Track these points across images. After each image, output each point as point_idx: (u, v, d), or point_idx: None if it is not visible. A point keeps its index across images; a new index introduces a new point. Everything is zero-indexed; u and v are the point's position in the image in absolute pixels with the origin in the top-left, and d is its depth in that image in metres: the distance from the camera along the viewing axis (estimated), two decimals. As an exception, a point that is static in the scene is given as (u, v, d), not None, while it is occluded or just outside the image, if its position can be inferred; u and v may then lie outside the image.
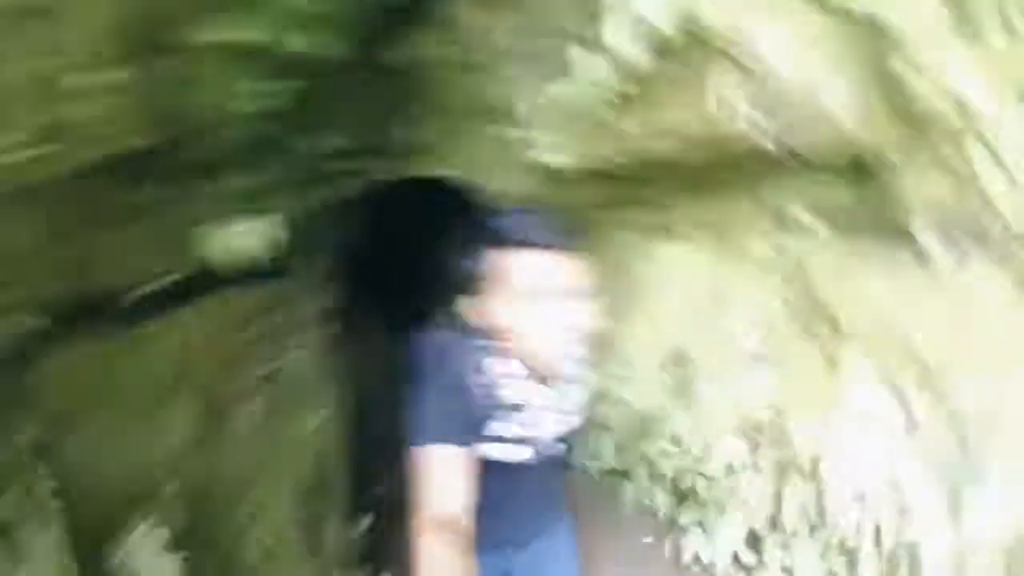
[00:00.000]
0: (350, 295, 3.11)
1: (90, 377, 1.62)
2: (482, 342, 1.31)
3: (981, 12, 1.39)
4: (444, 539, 1.05)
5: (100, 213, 1.53)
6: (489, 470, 1.33)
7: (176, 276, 1.78)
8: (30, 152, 1.27)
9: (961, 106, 1.47)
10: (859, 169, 1.71)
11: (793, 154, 1.67)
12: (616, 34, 1.45)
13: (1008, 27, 1.39)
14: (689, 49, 1.50)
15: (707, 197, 2.12)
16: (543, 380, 1.38)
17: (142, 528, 1.55)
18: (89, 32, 1.32)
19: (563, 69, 1.67)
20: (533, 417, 1.37)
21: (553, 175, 2.11)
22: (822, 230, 2.01)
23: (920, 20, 1.37)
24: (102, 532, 1.54)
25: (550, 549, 1.63)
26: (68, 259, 1.49)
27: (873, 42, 1.41)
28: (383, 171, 2.42)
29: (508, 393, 1.33)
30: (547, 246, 1.19)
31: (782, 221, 2.07)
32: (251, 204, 1.85)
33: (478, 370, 1.30)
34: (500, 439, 1.34)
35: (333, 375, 2.84)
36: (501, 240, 1.21)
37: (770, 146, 1.59)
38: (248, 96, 1.63)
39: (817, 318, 2.22)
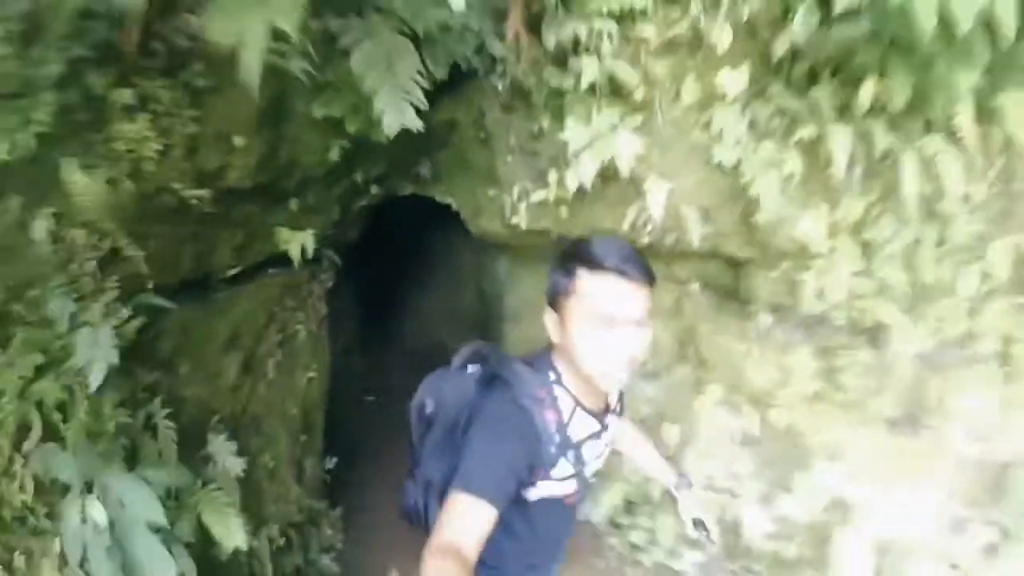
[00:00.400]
0: (337, 282, 3.73)
1: (182, 336, 2.23)
2: (550, 374, 1.38)
3: (823, 180, 2.23)
4: (448, 562, 1.09)
5: (219, 221, 2.14)
6: (535, 505, 1.38)
7: (249, 264, 2.41)
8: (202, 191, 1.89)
9: (803, 246, 2.33)
10: (735, 265, 2.57)
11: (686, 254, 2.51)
12: (572, 174, 2.24)
13: (847, 188, 2.23)
14: (613, 187, 2.30)
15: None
16: (595, 413, 1.43)
17: (219, 440, 2.18)
18: (245, 106, 1.94)
19: (544, 182, 2.44)
20: (584, 453, 1.41)
21: (516, 228, 2.89)
22: (706, 297, 2.87)
23: (778, 190, 2.20)
24: (191, 443, 2.16)
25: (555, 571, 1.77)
26: (196, 251, 2.11)
27: (743, 200, 2.24)
28: (404, 191, 3.10)
29: (568, 431, 1.36)
30: (631, 276, 1.25)
31: (682, 285, 2.92)
32: (314, 215, 2.49)
33: (542, 404, 1.33)
34: (552, 478, 1.36)
35: (320, 344, 3.48)
36: (592, 262, 1.27)
37: (664, 249, 2.43)
38: (331, 148, 2.28)
39: (692, 353, 3.09)
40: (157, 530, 1.57)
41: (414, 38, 2.00)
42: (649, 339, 1.30)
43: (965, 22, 1.72)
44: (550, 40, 2.20)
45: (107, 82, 1.69)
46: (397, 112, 1.68)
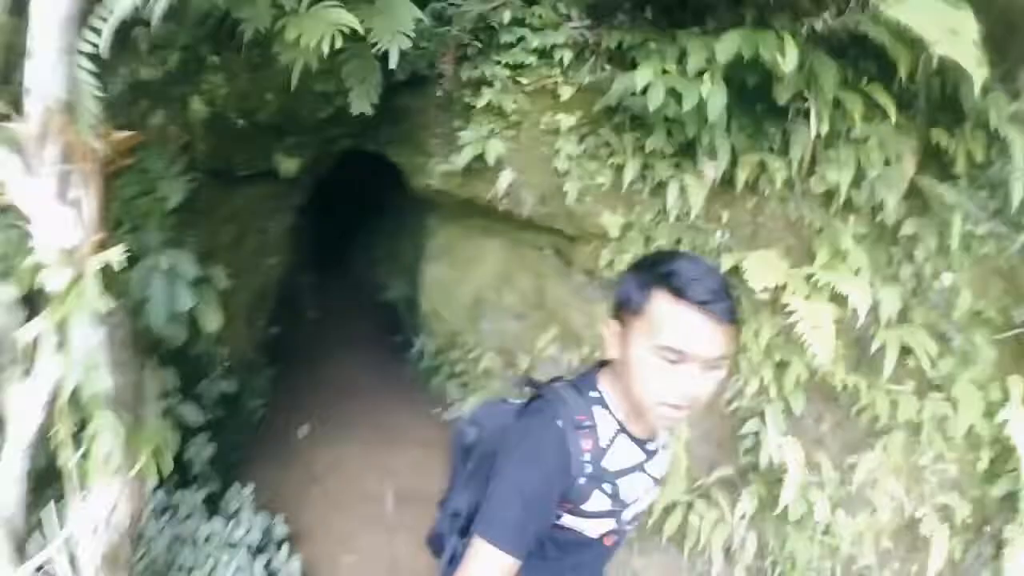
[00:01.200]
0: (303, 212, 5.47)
1: (205, 203, 3.92)
2: (592, 394, 1.39)
3: (624, 192, 3.97)
4: None
5: (246, 138, 3.84)
6: (571, 542, 1.42)
7: (253, 171, 4.12)
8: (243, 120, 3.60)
9: (604, 232, 4.06)
10: (567, 238, 4.33)
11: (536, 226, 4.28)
12: (461, 158, 4.02)
13: (638, 199, 3.97)
14: (484, 171, 4.06)
15: (511, 227, 4.67)
16: (641, 440, 1.42)
17: (218, 268, 3.84)
18: (278, 77, 3.65)
19: (447, 160, 4.21)
20: (621, 487, 1.39)
21: (430, 188, 4.66)
22: (553, 261, 4.63)
23: (585, 193, 3.95)
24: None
25: None
26: (228, 153, 3.81)
27: (564, 195, 3.99)
28: (366, 147, 4.85)
29: (604, 461, 1.36)
30: (715, 315, 1.22)
31: (540, 251, 4.69)
32: (303, 149, 4.24)
33: (578, 428, 1.33)
34: (583, 513, 1.38)
35: (284, 243, 5.18)
36: (674, 288, 1.24)
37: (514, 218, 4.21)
38: (323, 110, 3.99)
39: (544, 301, 4.83)
40: (192, 282, 3.23)
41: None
42: (718, 382, 1.27)
43: (687, 102, 3.45)
44: (467, 73, 3.97)
45: (209, 50, 3.40)
46: (362, 102, 3.40)
